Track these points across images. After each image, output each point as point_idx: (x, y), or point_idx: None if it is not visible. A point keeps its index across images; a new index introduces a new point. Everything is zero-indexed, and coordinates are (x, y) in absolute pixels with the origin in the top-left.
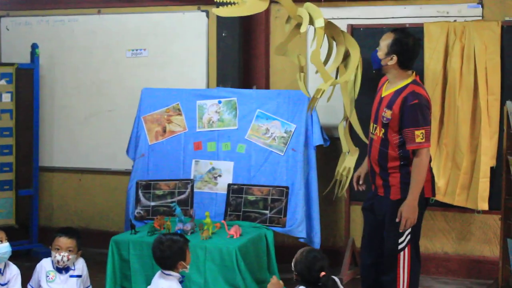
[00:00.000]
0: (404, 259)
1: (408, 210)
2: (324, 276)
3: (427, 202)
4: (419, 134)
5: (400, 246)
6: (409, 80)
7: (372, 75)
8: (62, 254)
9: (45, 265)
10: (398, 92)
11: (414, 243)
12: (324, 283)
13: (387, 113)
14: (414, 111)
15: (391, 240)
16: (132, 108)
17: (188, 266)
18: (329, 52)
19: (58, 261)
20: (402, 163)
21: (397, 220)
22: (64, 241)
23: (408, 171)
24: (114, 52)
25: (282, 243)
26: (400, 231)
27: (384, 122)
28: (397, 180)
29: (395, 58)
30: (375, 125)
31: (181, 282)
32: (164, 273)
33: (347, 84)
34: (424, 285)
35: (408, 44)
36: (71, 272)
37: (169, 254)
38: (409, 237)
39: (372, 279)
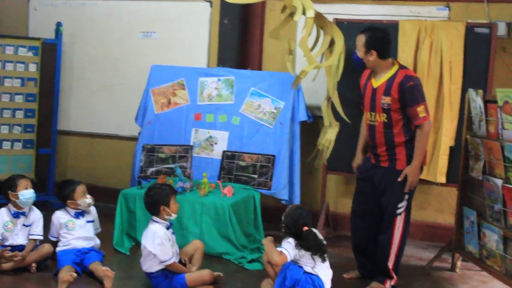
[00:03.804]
0: (400, 221)
1: (413, 173)
2: (306, 230)
3: None
4: (421, 110)
5: (399, 211)
6: (396, 67)
7: (351, 61)
8: (88, 196)
9: (60, 217)
10: (391, 80)
11: (409, 208)
12: (305, 237)
13: (387, 99)
14: (412, 92)
15: (392, 204)
16: (140, 83)
17: (172, 214)
18: (317, 39)
19: (89, 204)
20: (407, 138)
21: (399, 179)
22: (83, 187)
23: (413, 145)
24: (127, 34)
25: (266, 204)
26: (406, 191)
27: (385, 107)
28: (403, 153)
29: (374, 53)
30: (373, 113)
31: (168, 228)
32: (153, 220)
33: (331, 67)
34: None
35: (380, 37)
36: (87, 217)
37: (154, 200)
38: (407, 203)
39: (365, 239)
